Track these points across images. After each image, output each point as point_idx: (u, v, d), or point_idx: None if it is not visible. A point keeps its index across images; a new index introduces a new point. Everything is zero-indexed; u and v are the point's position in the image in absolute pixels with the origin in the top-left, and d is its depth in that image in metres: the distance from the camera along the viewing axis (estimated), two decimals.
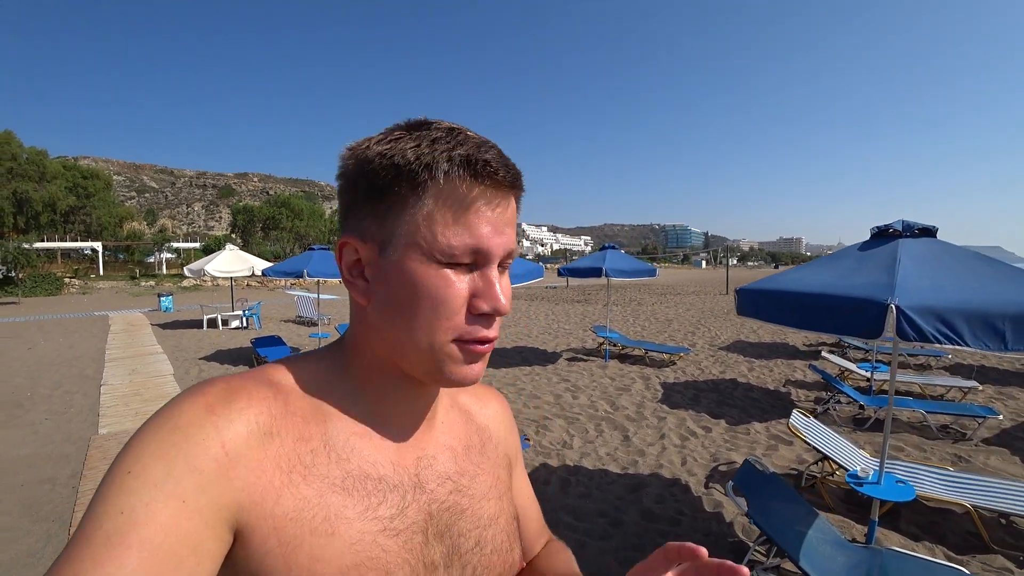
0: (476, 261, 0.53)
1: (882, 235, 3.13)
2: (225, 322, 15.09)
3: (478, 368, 0.56)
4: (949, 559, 3.40)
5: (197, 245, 50.98)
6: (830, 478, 4.24)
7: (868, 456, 4.41)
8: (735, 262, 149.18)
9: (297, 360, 0.60)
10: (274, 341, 9.99)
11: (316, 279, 9.62)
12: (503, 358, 10.31)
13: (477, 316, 0.53)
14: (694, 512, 3.96)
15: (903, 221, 3.08)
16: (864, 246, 3.18)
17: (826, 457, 4.16)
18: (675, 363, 9.45)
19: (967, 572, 2.73)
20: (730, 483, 3.13)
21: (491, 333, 0.54)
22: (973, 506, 3.57)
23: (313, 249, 10.34)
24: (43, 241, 36.49)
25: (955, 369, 9.55)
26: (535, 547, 0.82)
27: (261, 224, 52.00)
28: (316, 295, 12.13)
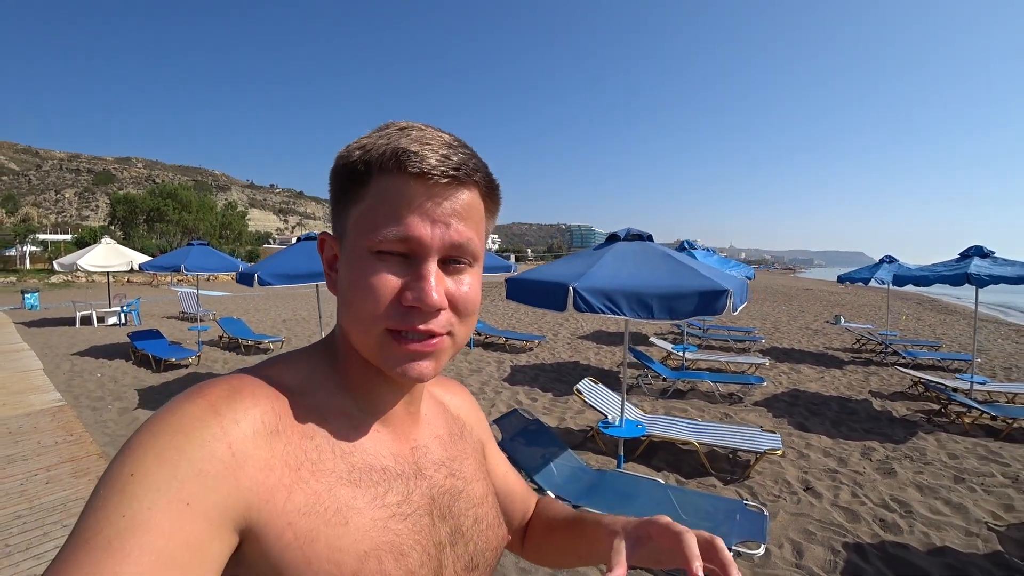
0: (410, 252, 0.54)
1: (610, 238, 4.28)
2: (101, 319, 14.52)
3: (426, 364, 0.56)
4: (678, 481, 4.62)
5: (69, 237, 46.93)
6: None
7: (641, 412, 5.68)
8: None
9: (291, 358, 0.63)
10: (153, 335, 10.01)
11: (196, 274, 9.86)
12: None
13: (408, 308, 0.54)
14: None
15: (628, 229, 4.24)
16: (598, 246, 4.33)
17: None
18: (531, 349, 10.69)
19: (662, 482, 3.89)
20: (492, 423, 4.15)
21: (426, 326, 0.54)
22: (699, 443, 4.84)
23: (193, 244, 10.49)
24: None
25: (768, 351, 11.46)
26: (529, 507, 0.90)
27: (144, 216, 48.53)
28: (196, 290, 12.18)
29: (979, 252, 7.25)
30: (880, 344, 11.42)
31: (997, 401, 7.52)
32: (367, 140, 0.56)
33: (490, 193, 0.60)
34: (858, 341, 12.82)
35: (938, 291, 36.95)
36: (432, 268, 0.54)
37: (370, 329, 0.55)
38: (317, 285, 6.62)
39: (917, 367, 9.87)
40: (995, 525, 4.05)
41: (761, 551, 3.15)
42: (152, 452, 0.46)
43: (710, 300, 3.31)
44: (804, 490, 4.54)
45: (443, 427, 0.73)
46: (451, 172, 0.54)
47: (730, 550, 3.08)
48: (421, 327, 0.54)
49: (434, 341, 0.56)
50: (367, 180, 0.55)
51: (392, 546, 0.55)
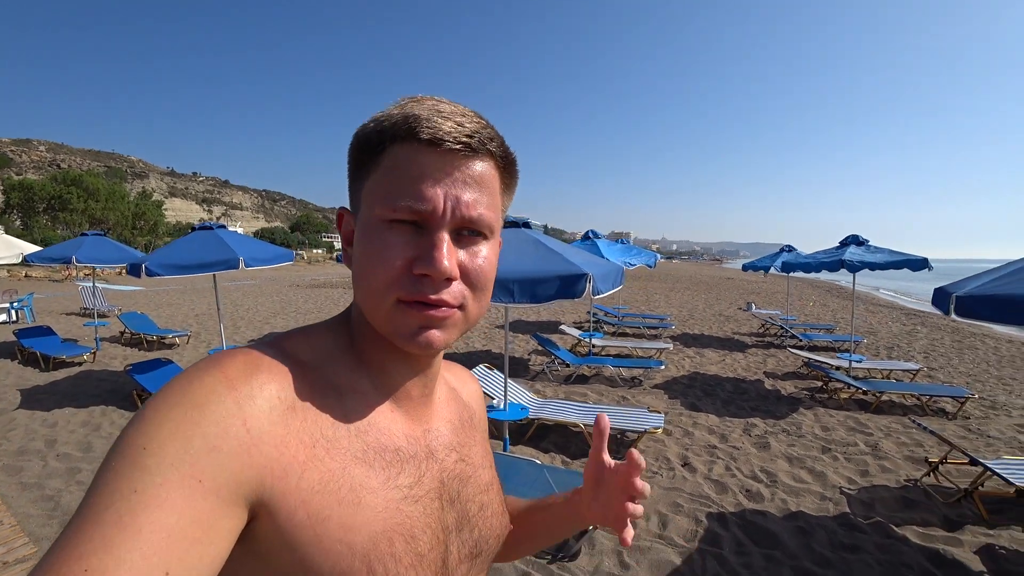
0: (421, 221, 0.54)
1: None
2: None
3: (436, 334, 0.55)
4: (563, 462, 4.79)
5: None
6: None
7: (533, 397, 5.85)
8: None
9: (310, 332, 0.62)
10: (42, 331, 9.37)
11: (96, 267, 9.31)
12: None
13: (419, 277, 0.53)
14: None
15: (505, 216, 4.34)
16: None
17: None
18: None
19: (539, 463, 4.02)
20: None
21: (437, 296, 0.54)
22: (585, 425, 5.03)
23: (87, 234, 9.91)
24: None
25: (679, 336, 11.98)
26: None
27: (45, 204, 44.90)
28: (93, 283, 11.48)
29: (855, 240, 7.87)
30: (780, 328, 12.17)
31: (874, 377, 8.19)
32: (383, 113, 0.56)
33: (507, 166, 0.60)
34: (763, 326, 13.60)
35: (849, 279, 39.61)
36: (444, 237, 0.53)
37: (382, 300, 0.54)
38: (214, 276, 6.39)
39: (812, 349, 10.60)
40: (848, 489, 4.44)
41: None
42: (165, 426, 0.45)
43: (570, 284, 3.45)
44: (682, 466, 4.81)
45: (454, 412, 0.72)
46: (464, 139, 0.53)
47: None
48: (432, 297, 0.53)
49: (445, 311, 0.55)
50: (381, 150, 0.54)
51: (403, 528, 0.54)
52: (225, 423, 0.46)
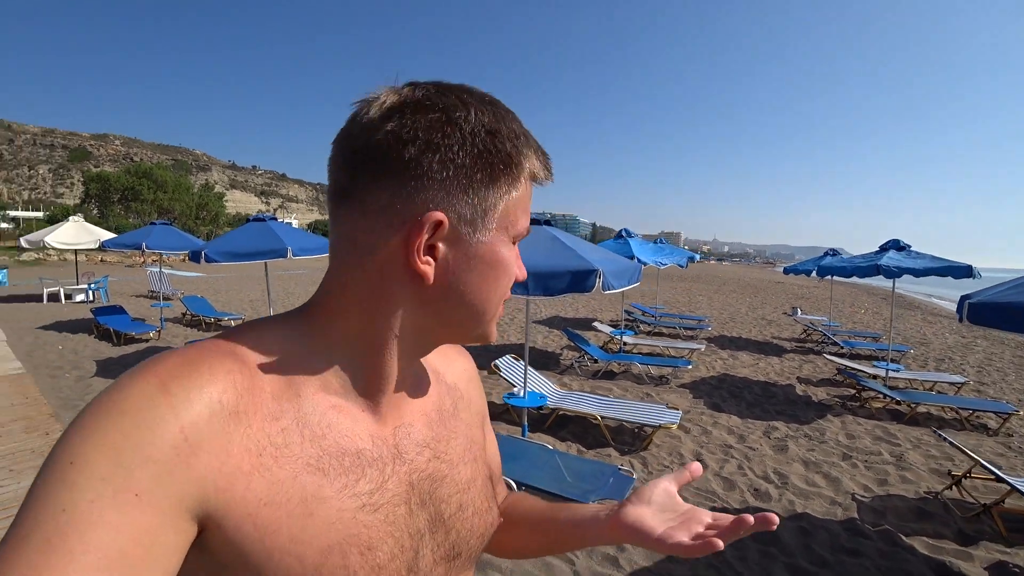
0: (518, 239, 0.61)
1: None
2: (68, 296, 14.71)
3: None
4: (579, 451, 4.99)
5: (41, 215, 46.42)
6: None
7: (554, 388, 6.08)
8: None
9: (264, 325, 0.57)
10: (116, 310, 10.28)
11: (160, 253, 10.13)
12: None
13: (513, 282, 0.62)
14: None
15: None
16: None
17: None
18: None
19: (550, 447, 4.24)
20: None
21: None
22: (601, 416, 5.22)
23: (155, 223, 10.77)
24: None
25: (716, 338, 11.91)
26: (499, 498, 0.83)
27: (119, 195, 48.08)
28: (160, 268, 12.40)
29: (895, 245, 7.71)
30: (822, 334, 11.92)
31: (916, 389, 7.98)
32: (503, 128, 0.54)
33: None
34: (805, 331, 13.31)
35: (906, 287, 37.84)
36: None
37: (498, 306, 0.59)
38: (265, 264, 6.88)
39: (854, 357, 10.34)
40: (861, 496, 4.45)
41: None
42: (94, 437, 0.42)
43: (581, 279, 3.68)
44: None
45: (432, 402, 0.67)
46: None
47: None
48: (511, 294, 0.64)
49: None
50: (520, 175, 0.56)
51: (358, 539, 0.51)
52: (159, 430, 0.43)
